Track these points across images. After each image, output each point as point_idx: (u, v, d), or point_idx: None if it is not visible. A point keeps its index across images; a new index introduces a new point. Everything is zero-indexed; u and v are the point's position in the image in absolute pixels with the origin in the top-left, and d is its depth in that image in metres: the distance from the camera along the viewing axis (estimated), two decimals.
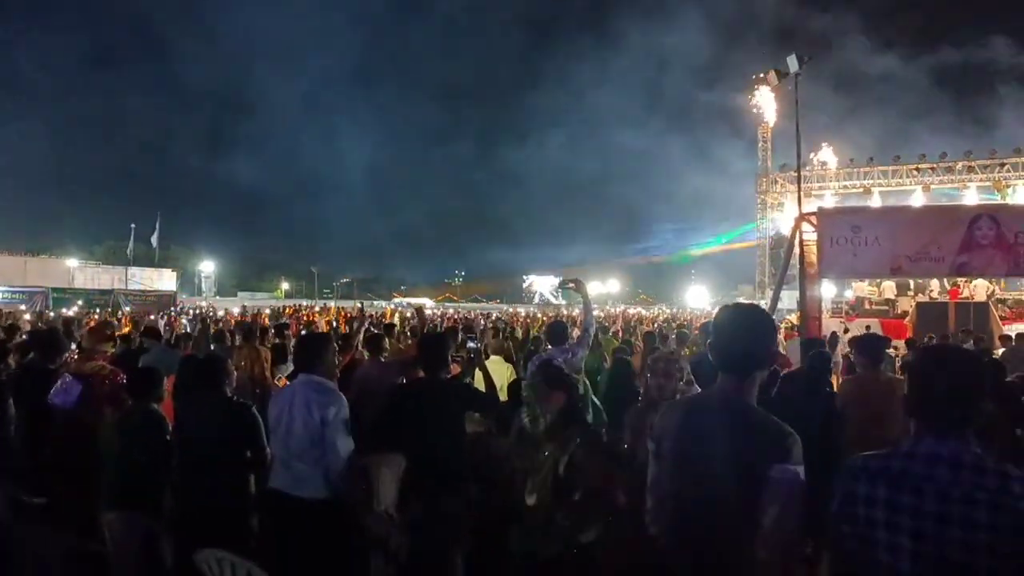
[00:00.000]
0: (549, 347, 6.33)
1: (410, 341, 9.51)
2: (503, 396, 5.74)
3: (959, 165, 36.15)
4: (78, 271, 47.75)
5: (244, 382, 6.98)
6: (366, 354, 7.23)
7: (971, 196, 33.35)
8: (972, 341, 10.27)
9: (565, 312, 37.31)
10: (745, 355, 2.43)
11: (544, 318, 26.63)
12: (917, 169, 36.85)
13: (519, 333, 14.17)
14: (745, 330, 2.44)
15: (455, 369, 6.35)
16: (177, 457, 4.43)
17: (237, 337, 9.12)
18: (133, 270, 49.29)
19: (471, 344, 7.44)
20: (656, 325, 21.19)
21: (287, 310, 31.30)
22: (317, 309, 34.55)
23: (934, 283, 21.60)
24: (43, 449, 5.13)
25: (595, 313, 7.49)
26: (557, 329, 6.47)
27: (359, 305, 18.04)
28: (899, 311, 21.10)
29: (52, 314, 24.89)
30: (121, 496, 4.32)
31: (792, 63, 11.44)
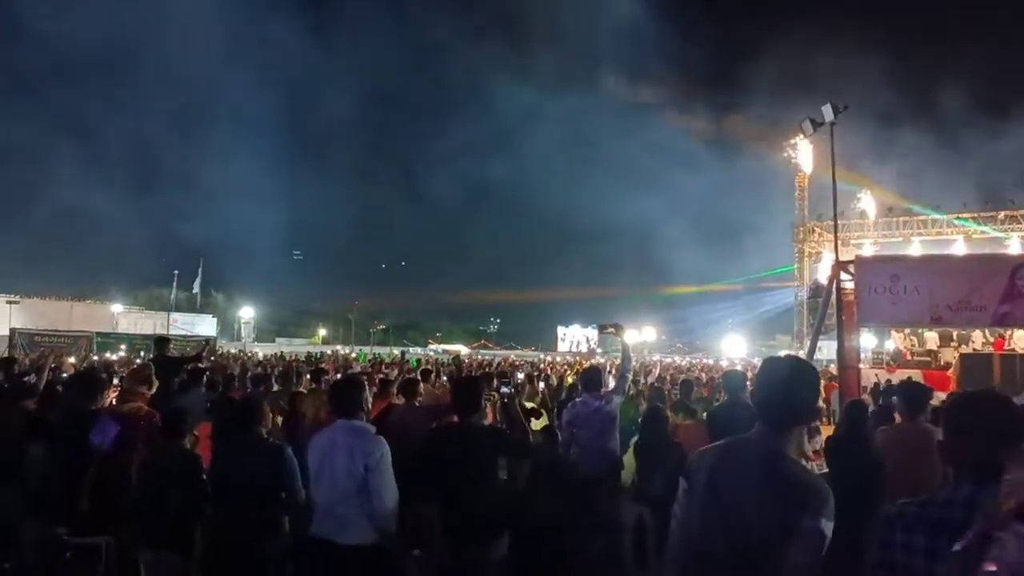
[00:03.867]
0: (584, 394, 6.31)
1: (446, 386, 9.53)
2: None
3: (1001, 215, 35.64)
4: (122, 316, 48.76)
5: (310, 427, 7.04)
6: (402, 399, 7.26)
7: (1014, 245, 32.80)
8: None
9: (601, 360, 37.11)
10: (788, 409, 2.43)
11: (578, 365, 26.52)
12: (958, 218, 36.38)
13: (553, 380, 14.12)
14: (790, 384, 2.44)
15: (489, 415, 6.36)
16: (212, 497, 4.47)
17: (274, 383, 9.25)
18: (175, 315, 50.24)
19: (505, 389, 7.43)
20: (693, 374, 20.98)
21: (328, 356, 31.58)
22: (353, 355, 34.76)
23: (976, 334, 21.18)
24: (82, 489, 5.19)
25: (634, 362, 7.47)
26: (592, 375, 6.45)
27: (397, 352, 18.14)
28: (942, 362, 20.70)
29: (96, 358, 25.31)
30: (158, 535, 4.37)
31: (827, 112, 11.44)
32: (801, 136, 32.46)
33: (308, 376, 10.27)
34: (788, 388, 2.43)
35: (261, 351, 37.05)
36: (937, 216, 36.99)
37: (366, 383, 4.97)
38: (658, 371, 20.90)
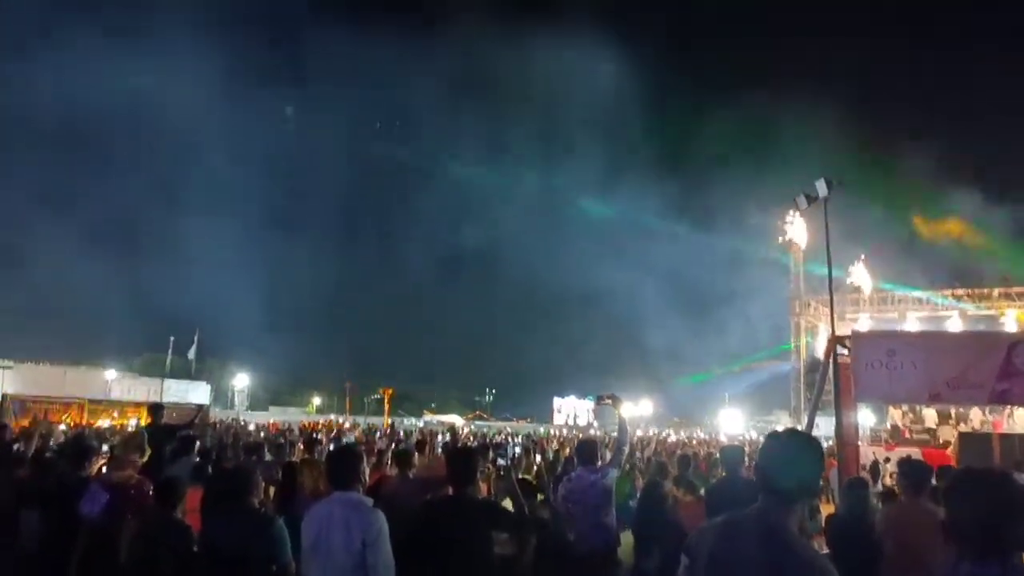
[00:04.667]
0: (579, 468, 6.24)
1: (440, 457, 9.42)
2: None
3: (995, 292, 35.84)
4: (115, 382, 48.38)
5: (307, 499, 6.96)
6: (395, 470, 7.17)
7: (1010, 322, 32.91)
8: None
9: (597, 433, 36.81)
10: (792, 484, 2.42)
11: (574, 438, 26.30)
12: (953, 295, 36.58)
13: (549, 454, 13.99)
14: (795, 459, 2.43)
15: (484, 488, 6.28)
16: (202, 568, 4.38)
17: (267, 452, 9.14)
18: (169, 382, 49.87)
19: (501, 462, 7.35)
20: (690, 449, 20.80)
21: (318, 424, 31.28)
22: (348, 425, 34.49)
23: (975, 412, 21.07)
24: (71, 559, 5.10)
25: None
26: (587, 449, 6.38)
27: (390, 422, 17.97)
28: (941, 441, 20.55)
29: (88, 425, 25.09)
30: None
31: (821, 187, 11.56)
32: (795, 211, 32.87)
33: (302, 446, 10.16)
34: (793, 463, 2.42)
35: (255, 420, 36.66)
36: (931, 297, 37.19)
37: (364, 454, 4.92)
38: (654, 445, 20.73)
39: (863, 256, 39.51)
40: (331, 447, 12.36)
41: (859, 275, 39.72)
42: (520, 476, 7.43)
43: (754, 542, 2.35)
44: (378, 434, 24.05)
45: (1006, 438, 17.21)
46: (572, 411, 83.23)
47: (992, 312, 35.36)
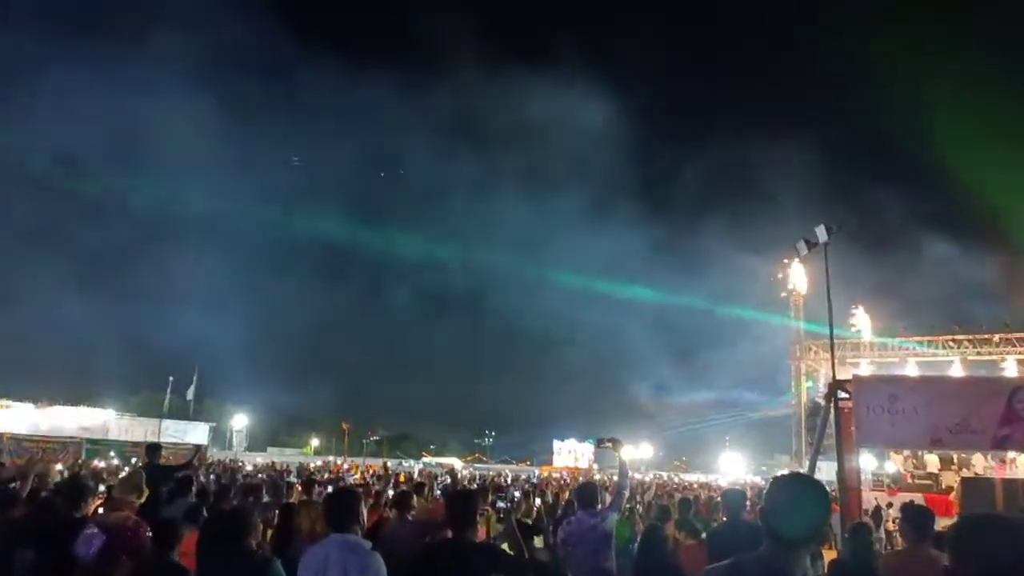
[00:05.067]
0: (579, 511, 6.19)
1: (439, 500, 9.35)
2: None
3: (996, 337, 35.83)
4: (113, 422, 48.08)
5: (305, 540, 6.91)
6: (393, 513, 7.10)
7: (1011, 367, 32.86)
8: None
9: (597, 476, 36.51)
10: (799, 528, 2.40)
11: (573, 481, 26.08)
12: (954, 340, 36.55)
13: (549, 496, 13.86)
14: (802, 503, 2.42)
15: (483, 532, 6.22)
16: None
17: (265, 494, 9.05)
18: (167, 422, 49.56)
19: (501, 504, 7.30)
20: (691, 493, 20.63)
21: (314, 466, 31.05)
22: (346, 467, 34.26)
23: (977, 458, 20.96)
24: None
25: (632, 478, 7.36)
26: (587, 491, 6.34)
27: (386, 463, 17.86)
28: (943, 486, 20.42)
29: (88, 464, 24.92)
30: None
31: (821, 233, 11.62)
32: (796, 257, 33.00)
33: (300, 487, 10.07)
34: (800, 507, 2.40)
35: (251, 460, 36.39)
36: (930, 346, 37.14)
37: (363, 495, 4.89)
38: (654, 489, 20.55)
39: (860, 304, 39.69)
40: (329, 488, 12.28)
41: (859, 320, 39.78)
42: (519, 519, 7.36)
43: None
44: (372, 474, 23.87)
45: (1009, 483, 17.10)
46: (572, 453, 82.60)
47: (993, 357, 35.32)
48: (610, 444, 6.44)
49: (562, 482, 26.78)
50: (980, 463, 21.07)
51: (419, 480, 16.08)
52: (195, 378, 53.18)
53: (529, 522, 6.78)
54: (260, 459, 42.65)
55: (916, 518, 5.38)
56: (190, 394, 53.32)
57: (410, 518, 6.83)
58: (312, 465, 34.35)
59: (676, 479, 42.66)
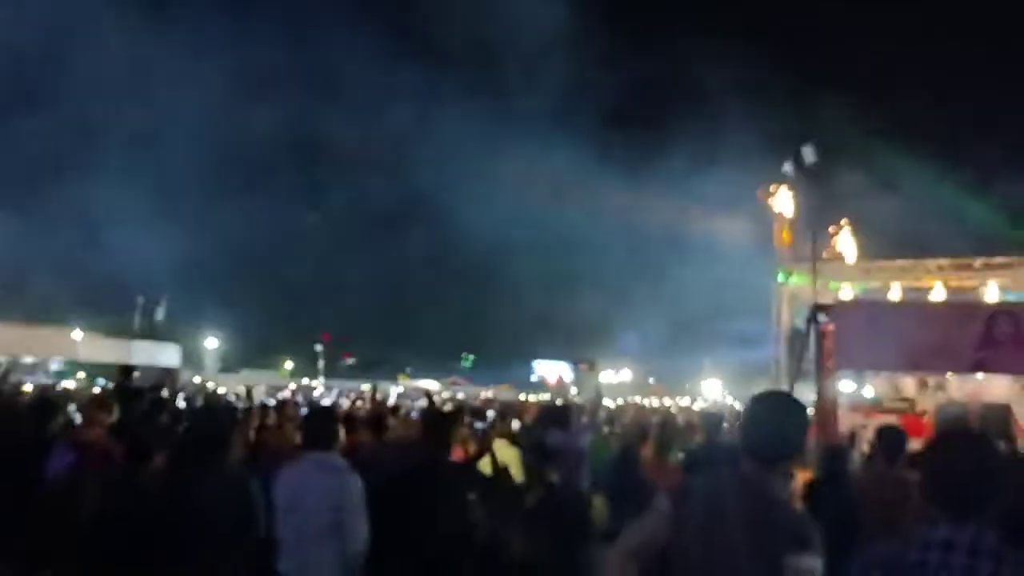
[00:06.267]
0: (554, 431, 6.20)
1: (415, 421, 9.36)
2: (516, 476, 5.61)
3: (978, 263, 36.12)
4: (82, 343, 47.90)
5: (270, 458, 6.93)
6: (368, 435, 7.09)
7: (991, 292, 33.27)
8: (1002, 442, 10.03)
9: (578, 400, 37.03)
10: (777, 445, 2.40)
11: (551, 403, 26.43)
12: (937, 266, 36.83)
13: (527, 419, 13.97)
14: (782, 420, 2.42)
15: (458, 452, 6.22)
16: (168, 530, 4.28)
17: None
18: (138, 344, 49.39)
19: (478, 425, 7.31)
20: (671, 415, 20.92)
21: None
22: (321, 389, 34.51)
23: (953, 383, 21.31)
24: (34, 520, 5.00)
25: (608, 404, 7.37)
26: (561, 413, 6.38)
27: (370, 387, 17.94)
28: (919, 409, 20.80)
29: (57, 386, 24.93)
30: (106, 570, 4.17)
31: (808, 154, 11.52)
32: (782, 179, 32.85)
33: (273, 408, 10.08)
34: (780, 424, 2.41)
35: (225, 382, 36.56)
36: (914, 267, 37.40)
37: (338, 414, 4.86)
38: (632, 412, 20.79)
39: (845, 222, 39.82)
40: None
41: (843, 243, 39.92)
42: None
43: (739, 500, 2.34)
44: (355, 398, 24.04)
45: (983, 407, 17.43)
46: (549, 375, 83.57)
47: (975, 283, 35.69)
48: (585, 366, 6.40)
49: (540, 404, 27.10)
50: (956, 387, 21.44)
51: (395, 403, 16.18)
52: (164, 299, 52.77)
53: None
54: (243, 381, 42.81)
55: (889, 440, 5.45)
56: (160, 314, 52.94)
57: (386, 440, 6.83)
58: (287, 387, 34.49)
59: (655, 402, 43.36)
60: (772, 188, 41.56)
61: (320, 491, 3.97)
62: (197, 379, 43.27)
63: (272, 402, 13.60)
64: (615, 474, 6.51)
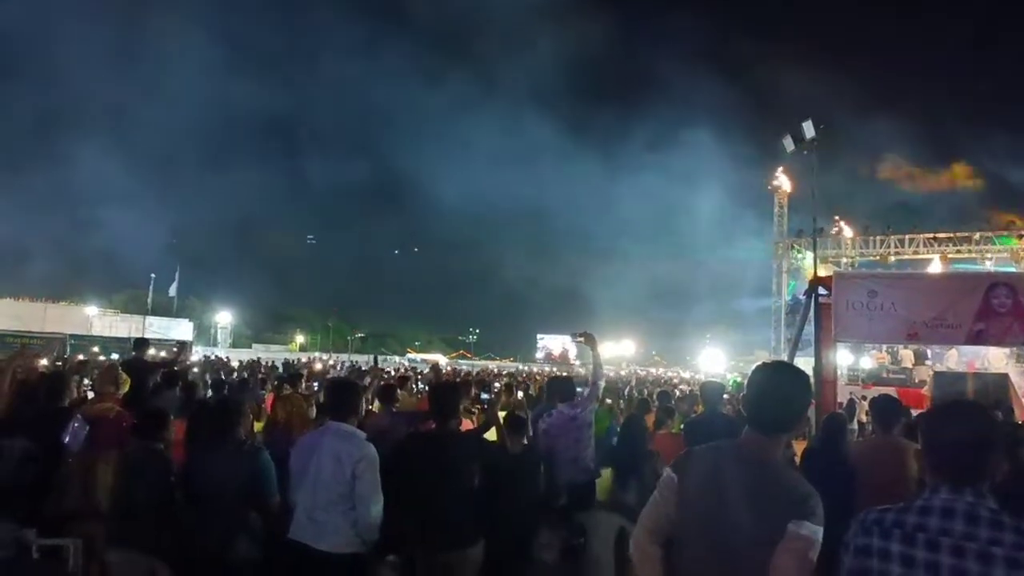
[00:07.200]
0: (559, 404, 6.29)
1: (422, 395, 9.47)
2: None
3: (976, 235, 36.08)
4: (96, 319, 48.12)
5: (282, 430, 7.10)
6: (377, 405, 7.21)
7: (989, 265, 33.26)
8: (999, 413, 10.10)
9: (581, 371, 37.15)
10: (781, 414, 2.44)
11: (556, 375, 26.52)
12: (935, 239, 36.77)
13: (533, 390, 14.09)
14: (784, 390, 2.45)
15: (467, 423, 6.33)
16: (185, 498, 4.41)
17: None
18: (151, 319, 49.65)
19: (484, 396, 7.40)
20: (670, 387, 21.07)
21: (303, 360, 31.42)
22: (332, 363, 34.63)
23: (951, 354, 21.41)
24: (50, 490, 5.10)
25: (610, 374, 7.46)
26: (563, 385, 6.46)
27: (373, 358, 18.08)
28: (916, 380, 20.92)
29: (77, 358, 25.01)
30: (127, 536, 4.29)
31: (808, 129, 11.53)
32: (783, 155, 32.80)
33: (284, 381, 10.18)
34: (782, 394, 2.44)
35: (237, 357, 36.75)
36: (912, 240, 37.39)
37: (360, 386, 4.94)
38: (634, 382, 20.93)
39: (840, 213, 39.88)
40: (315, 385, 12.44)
41: (842, 219, 39.91)
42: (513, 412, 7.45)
43: (742, 468, 2.39)
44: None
45: (980, 377, 17.53)
46: (556, 349, 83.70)
47: (973, 255, 35.65)
48: (583, 338, 6.47)
49: (544, 378, 27.25)
50: (953, 359, 21.54)
51: (404, 373, 16.28)
52: (177, 275, 53.05)
53: (521, 415, 6.86)
54: (254, 355, 42.87)
55: (884, 408, 5.51)
56: (173, 290, 53.23)
57: (395, 410, 6.94)
58: (297, 360, 34.66)
59: (656, 373, 43.48)
60: (773, 165, 41.32)
61: (334, 458, 4.02)
62: (210, 353, 43.41)
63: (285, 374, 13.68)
64: (621, 444, 6.61)
